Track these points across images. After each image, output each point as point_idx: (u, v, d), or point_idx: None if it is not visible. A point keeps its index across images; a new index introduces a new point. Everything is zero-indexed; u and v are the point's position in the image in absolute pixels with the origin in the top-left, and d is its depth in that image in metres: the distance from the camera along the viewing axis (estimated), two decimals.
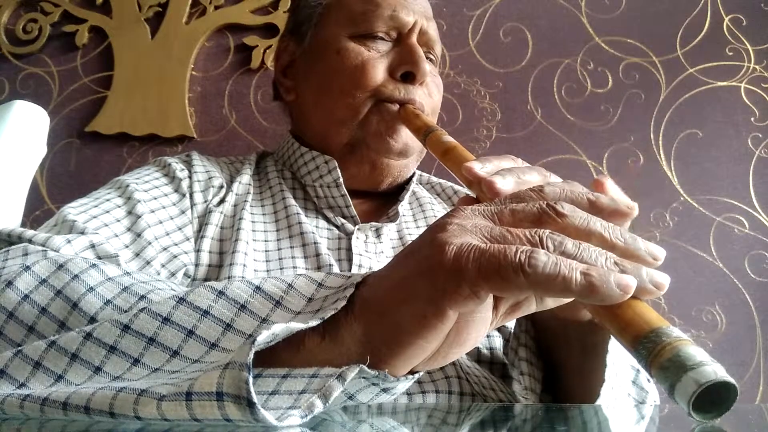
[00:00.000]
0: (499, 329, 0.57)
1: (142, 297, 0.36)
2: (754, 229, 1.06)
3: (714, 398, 0.24)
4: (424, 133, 0.58)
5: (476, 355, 0.54)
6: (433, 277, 0.29)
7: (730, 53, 1.14)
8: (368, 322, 0.31)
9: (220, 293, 0.33)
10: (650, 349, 0.26)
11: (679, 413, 0.45)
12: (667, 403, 0.54)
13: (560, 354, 0.49)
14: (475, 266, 0.28)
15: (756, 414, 0.47)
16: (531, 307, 0.34)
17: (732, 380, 0.24)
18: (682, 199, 1.08)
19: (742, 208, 1.07)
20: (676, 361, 0.24)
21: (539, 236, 0.29)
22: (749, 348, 1.01)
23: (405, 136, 0.65)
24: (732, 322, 1.02)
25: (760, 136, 1.10)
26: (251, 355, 0.26)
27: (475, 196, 0.41)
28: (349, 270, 0.60)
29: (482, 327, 0.32)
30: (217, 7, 1.24)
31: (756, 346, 1.01)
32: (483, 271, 0.28)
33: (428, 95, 0.68)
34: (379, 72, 0.65)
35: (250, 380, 0.26)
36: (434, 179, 0.81)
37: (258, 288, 0.33)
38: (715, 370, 0.24)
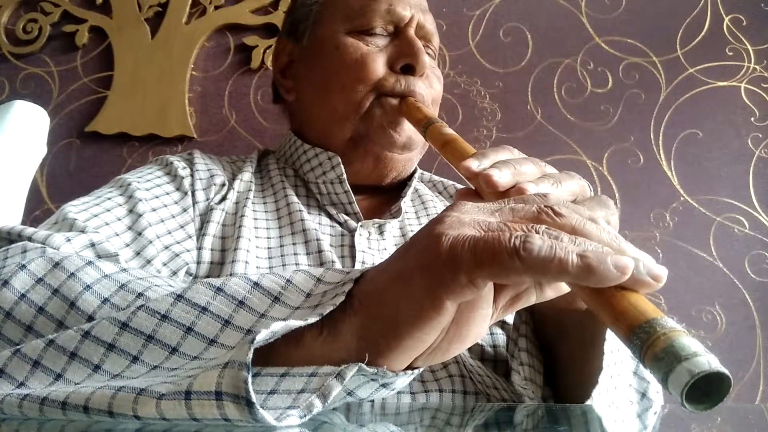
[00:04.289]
0: (502, 326, 0.57)
1: (140, 294, 0.36)
2: (754, 229, 1.05)
3: (708, 389, 0.24)
4: (424, 125, 0.58)
5: (480, 353, 0.54)
6: (430, 268, 0.30)
7: (730, 53, 1.14)
8: (366, 316, 0.31)
9: (219, 289, 0.33)
10: (644, 340, 0.26)
11: (679, 413, 0.45)
12: (668, 403, 0.54)
13: (559, 345, 0.49)
14: (470, 254, 0.28)
15: (756, 414, 0.47)
16: (531, 299, 0.34)
17: (726, 371, 0.24)
18: (682, 199, 1.08)
19: (742, 208, 1.07)
20: (670, 352, 0.24)
21: (536, 229, 0.29)
22: (749, 348, 1.01)
23: (408, 129, 0.65)
24: (732, 322, 1.02)
25: (760, 136, 1.10)
26: (250, 354, 0.26)
27: (474, 188, 0.41)
28: (353, 267, 0.60)
29: (483, 322, 0.32)
30: (217, 7, 1.24)
31: (756, 346, 1.01)
32: (478, 258, 0.28)
33: (429, 86, 0.68)
34: (379, 65, 0.65)
35: (249, 380, 0.26)
36: (436, 177, 0.81)
37: (256, 284, 0.33)
38: (708, 361, 0.24)
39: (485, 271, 0.28)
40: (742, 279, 1.03)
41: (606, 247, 0.29)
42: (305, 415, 0.28)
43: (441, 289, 0.29)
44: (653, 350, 0.25)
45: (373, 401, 0.43)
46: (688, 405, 0.24)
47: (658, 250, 1.06)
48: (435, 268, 0.29)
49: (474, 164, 0.40)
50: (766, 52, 1.13)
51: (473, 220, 0.31)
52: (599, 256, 0.28)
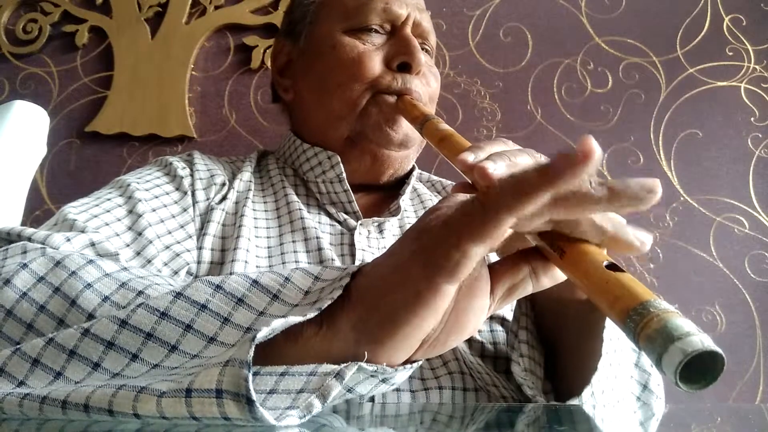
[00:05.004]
0: (502, 323, 0.57)
1: (140, 293, 0.36)
2: (754, 229, 1.05)
3: (701, 369, 0.24)
4: (420, 122, 0.59)
5: (480, 350, 0.54)
6: (422, 253, 0.30)
7: (730, 53, 1.14)
8: (363, 307, 0.31)
9: (218, 287, 0.33)
10: (638, 322, 0.26)
11: (679, 413, 0.45)
12: (668, 403, 0.54)
13: (559, 335, 0.49)
14: (457, 221, 0.30)
15: (756, 414, 0.47)
16: (527, 288, 0.35)
17: (719, 350, 0.24)
18: (682, 199, 1.08)
19: (742, 208, 1.07)
20: (663, 332, 0.24)
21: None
22: (749, 348, 1.01)
23: (405, 126, 0.65)
24: (732, 322, 1.02)
25: (760, 136, 1.10)
26: (251, 353, 0.26)
27: (470, 182, 0.41)
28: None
29: (480, 313, 0.33)
30: (217, 7, 1.24)
31: (756, 346, 1.01)
32: (467, 224, 0.29)
33: (426, 84, 0.68)
34: (375, 64, 0.65)
35: (250, 378, 0.26)
36: (434, 177, 0.81)
37: (255, 282, 0.33)
38: (702, 340, 0.24)
39: (474, 236, 0.29)
40: (742, 279, 1.03)
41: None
42: (305, 416, 0.27)
43: (434, 271, 0.30)
44: (646, 331, 0.25)
45: (373, 402, 0.43)
46: (682, 385, 0.24)
47: (658, 250, 1.06)
48: (427, 252, 0.30)
49: (469, 157, 0.40)
50: (766, 52, 1.13)
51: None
52: (622, 181, 0.29)
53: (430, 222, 0.31)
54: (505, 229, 0.29)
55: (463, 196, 0.33)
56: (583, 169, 0.27)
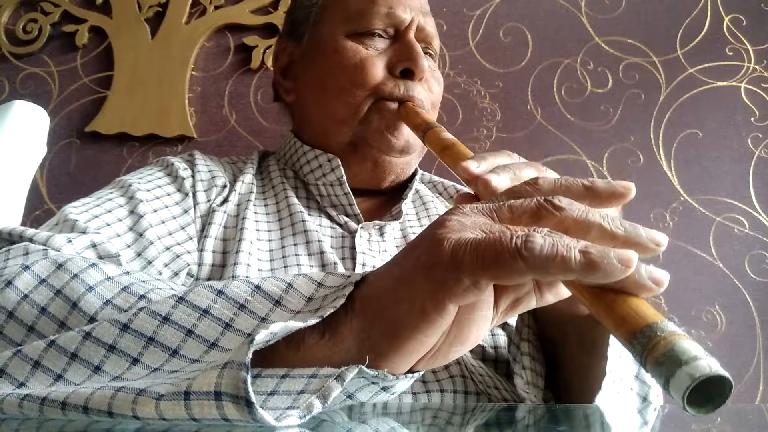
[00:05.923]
0: (503, 327, 0.57)
1: (142, 296, 0.36)
2: (754, 229, 1.06)
3: (709, 392, 0.24)
4: (423, 130, 0.58)
5: (481, 354, 0.54)
6: (432, 271, 0.30)
7: (730, 53, 1.14)
8: (367, 318, 0.31)
9: (220, 293, 0.33)
10: (645, 344, 0.25)
11: (679, 413, 0.45)
12: (668, 403, 0.54)
13: (560, 349, 0.49)
14: (472, 256, 0.28)
15: (756, 414, 0.47)
16: (531, 303, 0.34)
17: (726, 374, 0.24)
18: (682, 199, 1.08)
19: (742, 208, 1.07)
20: (671, 356, 0.24)
21: (538, 232, 0.29)
22: (749, 348, 1.01)
23: (406, 133, 0.65)
24: (732, 322, 1.02)
25: (760, 136, 1.10)
26: (250, 355, 0.26)
27: (473, 193, 0.41)
28: (353, 269, 0.60)
29: (483, 325, 0.32)
30: (217, 7, 1.24)
31: (756, 346, 1.01)
32: (480, 260, 0.28)
33: (428, 90, 0.67)
34: (378, 70, 0.65)
35: (248, 380, 0.26)
36: (436, 178, 0.81)
37: (257, 287, 0.33)
38: (709, 364, 0.24)
39: (488, 272, 0.28)
40: (742, 279, 1.04)
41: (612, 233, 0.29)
42: (305, 416, 0.28)
43: (443, 291, 0.29)
44: (654, 355, 0.25)
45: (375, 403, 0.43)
46: (689, 409, 0.24)
47: None
48: (437, 271, 0.29)
49: (473, 165, 0.40)
50: (766, 52, 1.13)
51: (474, 223, 0.31)
52: (602, 251, 0.27)
53: (441, 240, 0.30)
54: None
55: (470, 207, 0.33)
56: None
